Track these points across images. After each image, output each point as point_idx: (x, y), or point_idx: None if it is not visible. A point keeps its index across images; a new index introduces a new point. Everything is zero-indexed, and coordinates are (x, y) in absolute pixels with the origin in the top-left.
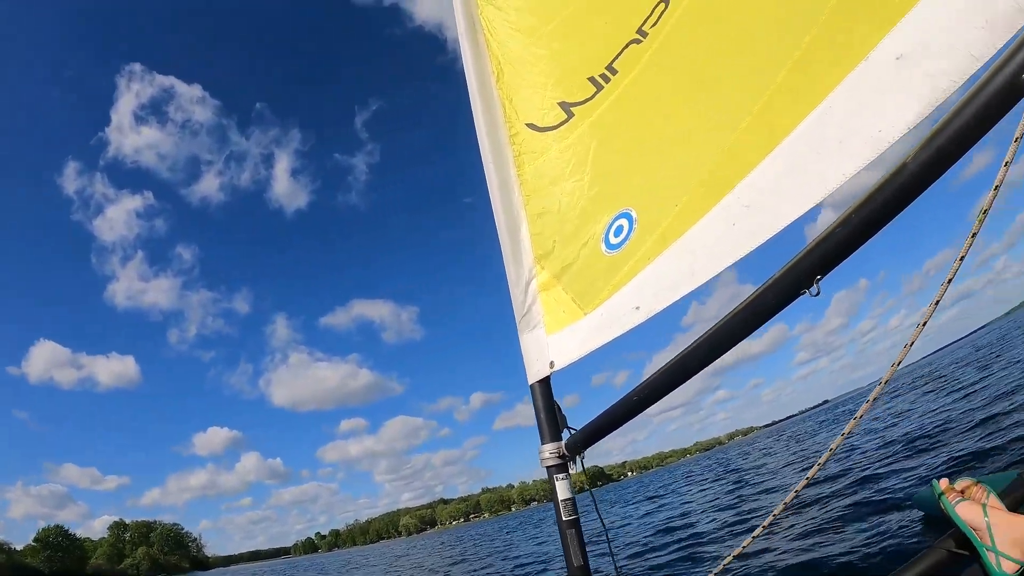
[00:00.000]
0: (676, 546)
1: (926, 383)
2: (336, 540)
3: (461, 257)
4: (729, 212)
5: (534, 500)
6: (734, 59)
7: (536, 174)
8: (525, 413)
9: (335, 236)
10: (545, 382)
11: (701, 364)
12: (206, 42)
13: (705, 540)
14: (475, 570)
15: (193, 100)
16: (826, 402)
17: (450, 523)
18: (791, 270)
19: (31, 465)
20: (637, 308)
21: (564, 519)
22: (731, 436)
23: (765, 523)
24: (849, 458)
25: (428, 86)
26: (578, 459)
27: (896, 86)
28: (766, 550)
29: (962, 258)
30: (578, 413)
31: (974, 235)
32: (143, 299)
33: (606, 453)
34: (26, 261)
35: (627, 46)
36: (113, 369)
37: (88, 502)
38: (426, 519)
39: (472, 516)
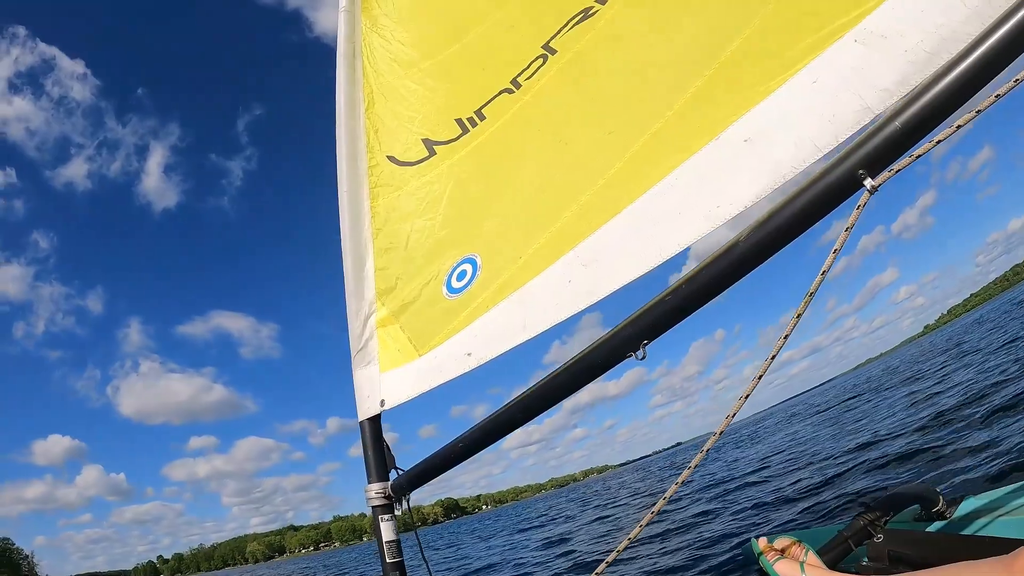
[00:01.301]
0: None
1: (768, 432)
2: (179, 565)
3: (328, 280)
4: (568, 269)
5: None
6: (595, 124)
7: (389, 208)
8: None
9: (201, 241)
10: (375, 420)
11: (527, 416)
12: (97, 17)
13: None
14: None
15: (74, 76)
16: (679, 444)
17: (299, 551)
18: (618, 334)
19: None
20: (469, 355)
21: (388, 561)
22: (586, 473)
23: (598, 570)
24: (683, 505)
25: (317, 101)
26: (404, 500)
27: (740, 166)
28: None
29: (786, 336)
30: (436, 443)
31: (799, 316)
32: None
33: (460, 486)
34: None
35: (499, 94)
36: None
37: None
38: (274, 546)
39: (323, 545)
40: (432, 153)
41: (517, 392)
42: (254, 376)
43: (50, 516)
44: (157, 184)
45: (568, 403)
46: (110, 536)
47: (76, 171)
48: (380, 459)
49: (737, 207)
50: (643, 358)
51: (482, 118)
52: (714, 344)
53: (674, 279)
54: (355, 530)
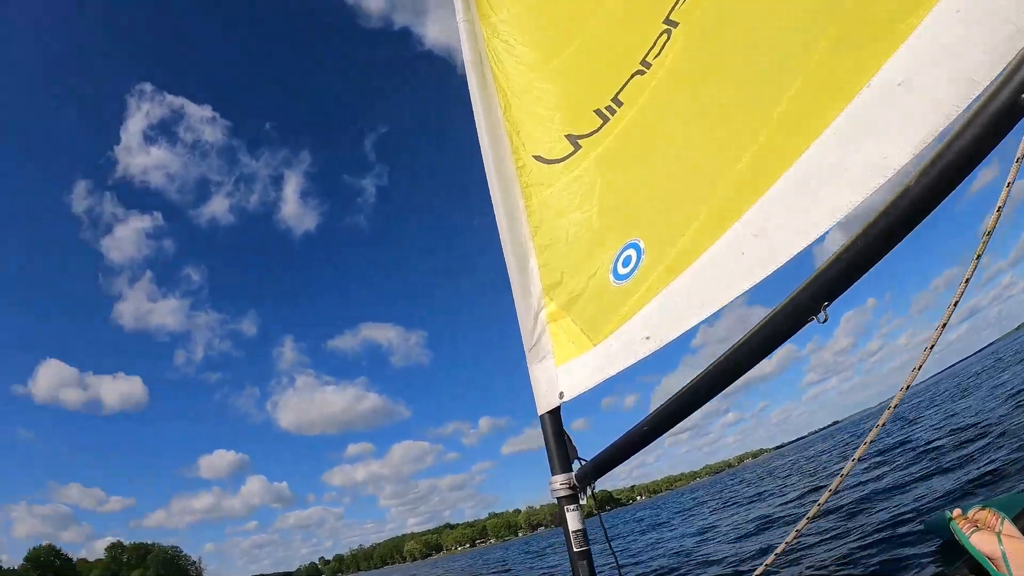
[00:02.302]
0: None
1: (937, 401)
2: (340, 566)
3: (469, 281)
4: (737, 241)
5: (541, 525)
6: (737, 88)
7: (543, 205)
8: (533, 438)
9: (344, 259)
10: (555, 413)
11: (709, 393)
12: (216, 64)
13: (719, 566)
14: None
15: (203, 120)
16: (836, 423)
17: (456, 548)
18: (797, 297)
19: (35, 484)
20: (647, 338)
21: (575, 550)
22: (741, 459)
23: (778, 550)
24: (862, 480)
25: (437, 110)
26: (588, 489)
27: (899, 112)
28: None
29: (967, 280)
30: (588, 437)
31: (979, 257)
32: (150, 319)
33: (613, 477)
34: (34, 279)
35: (631, 78)
36: (120, 390)
37: (92, 523)
38: (431, 544)
39: (479, 541)
40: (577, 147)
41: (670, 380)
42: (405, 382)
43: (217, 524)
44: (295, 210)
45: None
46: (275, 540)
47: (218, 207)
48: (562, 451)
49: (904, 155)
50: (824, 321)
51: (619, 104)
52: (865, 314)
53: (819, 250)
54: (510, 526)
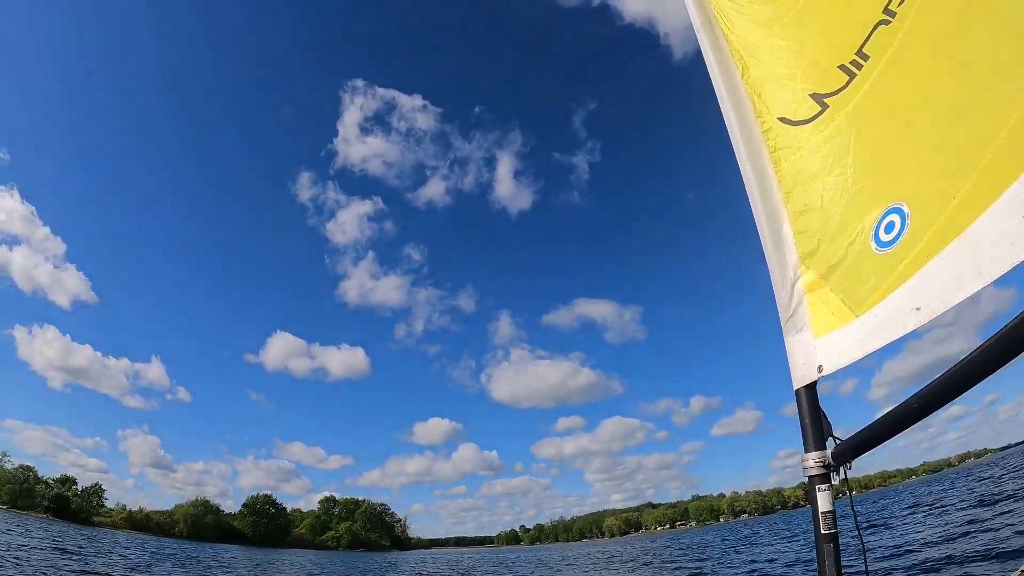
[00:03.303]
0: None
1: None
2: (539, 535)
3: (684, 256)
4: (1016, 205)
5: (744, 512)
6: (1000, 29)
7: (794, 170)
8: (745, 419)
9: (558, 236)
10: (811, 387)
11: (983, 373)
12: (421, 54)
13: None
14: None
15: (415, 109)
16: None
17: (655, 528)
18: None
19: (263, 442)
20: (917, 309)
21: (823, 532)
22: (962, 458)
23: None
24: None
25: (642, 83)
26: (842, 469)
27: None
28: None
29: None
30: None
31: None
32: (373, 296)
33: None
34: (266, 261)
35: (875, 28)
36: (344, 360)
37: (311, 478)
38: (631, 522)
39: (678, 523)
40: (824, 107)
41: (891, 365)
42: (620, 358)
43: (428, 487)
44: (509, 189)
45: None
46: (480, 506)
47: (434, 190)
48: (817, 427)
49: None
50: None
51: (865, 58)
52: None
53: None
54: (712, 510)
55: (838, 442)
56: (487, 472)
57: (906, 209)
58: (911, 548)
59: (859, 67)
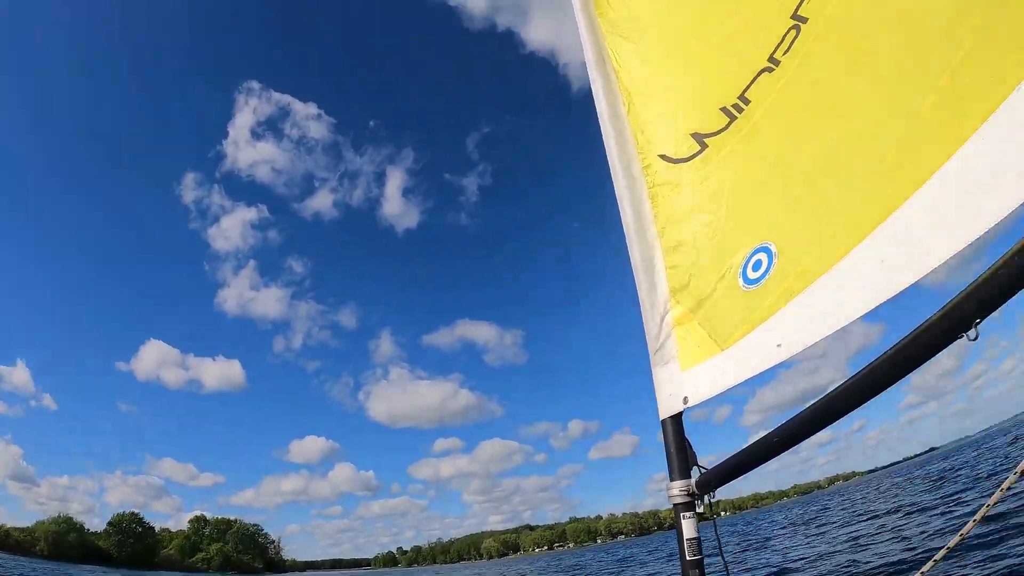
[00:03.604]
0: None
1: None
2: (416, 557)
3: (567, 283)
4: (879, 247)
5: (621, 534)
6: (874, 87)
7: (670, 206)
8: (622, 443)
9: (444, 256)
10: (677, 418)
11: (847, 407)
12: (322, 62)
13: None
14: None
15: (309, 117)
16: (933, 449)
17: (533, 550)
18: (949, 314)
19: (132, 456)
20: (779, 346)
21: (688, 559)
22: (831, 480)
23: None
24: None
25: (539, 112)
26: (707, 498)
27: None
28: None
29: None
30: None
31: None
32: (252, 307)
33: None
34: (142, 263)
35: (759, 75)
36: (219, 371)
37: (182, 496)
38: (509, 543)
39: (556, 545)
40: (704, 147)
41: (764, 392)
42: (500, 381)
43: (303, 506)
44: (398, 206)
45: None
46: (356, 527)
47: (322, 202)
48: (682, 456)
49: None
50: (975, 339)
51: (747, 103)
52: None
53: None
54: (590, 532)
55: (703, 471)
56: (364, 492)
57: (774, 249)
58: (790, 567)
59: (740, 111)
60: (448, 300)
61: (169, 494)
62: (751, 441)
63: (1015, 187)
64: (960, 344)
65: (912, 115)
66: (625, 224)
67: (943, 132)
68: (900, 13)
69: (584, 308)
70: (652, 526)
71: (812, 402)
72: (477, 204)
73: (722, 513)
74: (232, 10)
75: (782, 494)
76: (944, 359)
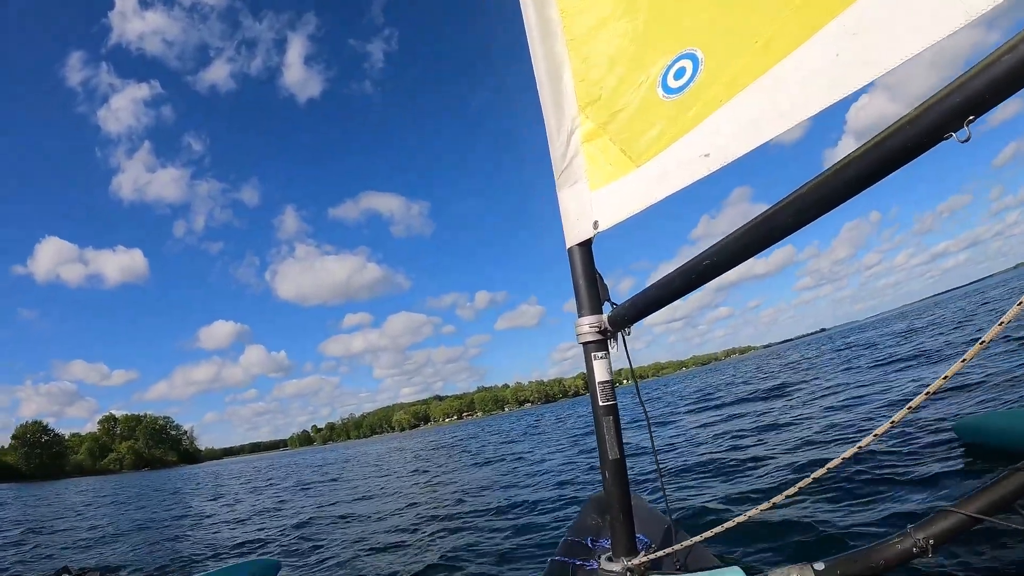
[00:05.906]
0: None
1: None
2: (331, 434)
3: (473, 153)
4: (833, 41)
5: (528, 401)
6: None
7: (581, 12)
8: (528, 314)
9: (347, 126)
10: (586, 245)
11: (785, 231)
12: None
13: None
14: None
15: None
16: (823, 330)
17: (443, 420)
18: (936, 107)
19: (39, 364)
20: (706, 155)
21: (600, 404)
22: (728, 353)
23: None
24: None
25: None
26: (620, 336)
27: None
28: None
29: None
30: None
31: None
32: (150, 191)
33: None
34: (29, 156)
35: None
36: (120, 263)
37: (97, 397)
38: (420, 415)
39: (465, 414)
40: None
41: (665, 266)
42: (406, 253)
43: (218, 394)
44: (299, 75)
45: (713, 281)
46: (273, 409)
47: (218, 73)
48: (593, 290)
49: None
50: (967, 139)
51: None
52: (868, 226)
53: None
54: (497, 401)
55: (615, 306)
56: (277, 374)
57: (700, 55)
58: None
59: None
60: (353, 172)
61: (83, 397)
62: (666, 273)
63: None
64: (859, 234)
65: None
66: (529, 35)
67: None
68: None
69: (490, 179)
70: (558, 394)
71: (735, 230)
72: (382, 72)
73: (623, 382)
74: None
75: (681, 364)
76: (840, 247)
